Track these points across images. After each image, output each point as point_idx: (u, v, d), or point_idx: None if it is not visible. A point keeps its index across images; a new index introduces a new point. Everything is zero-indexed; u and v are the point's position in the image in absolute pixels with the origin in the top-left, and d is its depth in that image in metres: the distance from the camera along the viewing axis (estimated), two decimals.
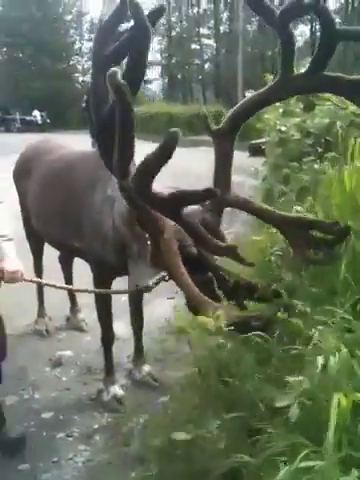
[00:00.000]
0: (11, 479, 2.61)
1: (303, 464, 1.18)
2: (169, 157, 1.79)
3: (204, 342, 2.12)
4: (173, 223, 2.10)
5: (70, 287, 3.95)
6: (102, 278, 3.15)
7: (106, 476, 2.60)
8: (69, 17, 42.93)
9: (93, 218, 2.86)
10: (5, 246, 2.51)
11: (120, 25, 2.10)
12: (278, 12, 1.95)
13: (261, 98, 2.15)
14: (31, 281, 2.74)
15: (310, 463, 1.17)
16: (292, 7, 1.92)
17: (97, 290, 3.02)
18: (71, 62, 41.33)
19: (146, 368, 3.50)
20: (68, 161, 3.40)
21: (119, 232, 2.64)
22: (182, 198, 1.95)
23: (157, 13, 2.09)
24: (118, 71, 1.78)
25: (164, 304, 4.27)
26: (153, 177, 1.91)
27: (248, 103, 2.17)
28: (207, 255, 2.16)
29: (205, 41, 40.59)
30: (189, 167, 11.97)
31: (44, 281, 2.97)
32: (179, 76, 42.29)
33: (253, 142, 11.26)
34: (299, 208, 3.02)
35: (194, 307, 1.92)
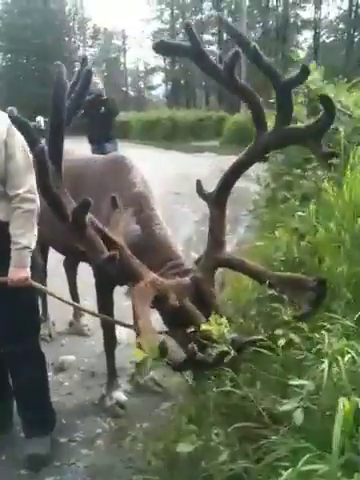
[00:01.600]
0: None
1: (306, 467, 1.18)
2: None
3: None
4: (154, 276, 2.20)
5: (79, 305, 3.94)
6: (104, 284, 3.19)
7: None
8: (72, 24, 43.20)
9: None
10: (14, 255, 2.55)
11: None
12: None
13: (243, 161, 2.32)
14: (39, 287, 2.76)
15: (313, 467, 1.17)
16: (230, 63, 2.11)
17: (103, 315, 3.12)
18: (74, 68, 41.56)
19: (149, 373, 3.50)
20: (74, 167, 3.41)
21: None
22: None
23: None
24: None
25: None
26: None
27: (232, 170, 2.34)
28: (192, 309, 2.20)
29: (208, 47, 40.73)
30: (191, 172, 12.01)
31: (49, 290, 2.98)
32: (182, 81, 42.46)
33: None
34: (301, 214, 3.03)
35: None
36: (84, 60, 2.35)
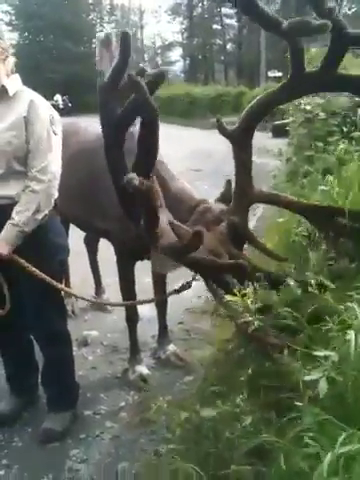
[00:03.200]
0: (42, 456, 2.68)
1: (343, 449, 1.17)
2: None
3: (231, 321, 2.14)
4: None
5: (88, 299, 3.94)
6: (125, 261, 3.21)
7: (132, 452, 2.64)
8: (90, 0, 42.77)
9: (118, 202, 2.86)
10: (5, 228, 2.47)
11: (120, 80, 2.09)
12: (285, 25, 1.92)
13: (273, 98, 2.17)
14: (24, 265, 2.56)
15: (349, 448, 1.16)
16: (302, 27, 1.89)
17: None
18: (92, 45, 41.28)
19: (171, 348, 3.53)
20: (94, 143, 3.41)
21: None
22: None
23: (157, 82, 2.08)
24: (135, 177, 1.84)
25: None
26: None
27: (260, 103, 2.19)
28: (238, 254, 2.21)
29: (227, 21, 40.10)
30: (210, 148, 11.93)
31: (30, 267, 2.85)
32: (200, 57, 41.94)
33: (276, 123, 11.19)
34: (323, 188, 3.00)
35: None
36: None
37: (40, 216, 2.50)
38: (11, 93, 2.48)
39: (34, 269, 2.51)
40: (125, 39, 2.01)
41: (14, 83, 2.53)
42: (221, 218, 2.33)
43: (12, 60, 2.58)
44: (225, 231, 2.25)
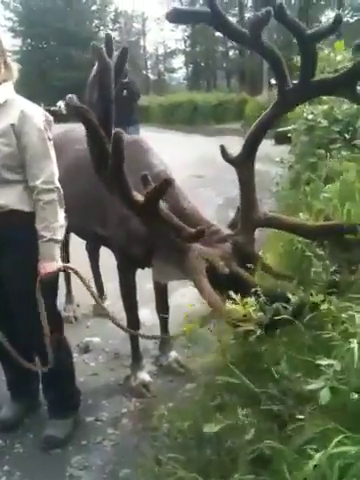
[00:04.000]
0: (43, 462, 2.68)
1: (337, 450, 1.18)
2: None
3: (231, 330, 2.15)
4: (200, 247, 2.25)
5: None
6: (126, 267, 3.22)
7: (134, 460, 2.63)
8: (94, 7, 42.98)
9: (121, 211, 2.85)
10: (41, 248, 2.51)
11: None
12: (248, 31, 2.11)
13: (267, 118, 2.31)
14: (72, 271, 2.73)
15: (344, 449, 1.17)
16: (258, 21, 2.05)
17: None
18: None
19: (172, 354, 3.53)
20: None
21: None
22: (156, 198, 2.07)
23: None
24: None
25: (189, 292, 4.28)
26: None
27: (257, 128, 2.32)
28: (242, 273, 2.23)
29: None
30: (213, 155, 11.91)
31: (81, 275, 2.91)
32: (203, 64, 42.07)
33: (279, 130, 11.18)
34: (326, 195, 3.00)
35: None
36: (109, 39, 2.29)
37: (63, 220, 2.57)
38: (1, 101, 2.46)
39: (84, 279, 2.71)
40: (108, 41, 2.21)
41: (5, 91, 2.51)
42: (227, 239, 2.39)
43: (15, 66, 2.59)
44: (230, 250, 2.31)
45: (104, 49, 2.14)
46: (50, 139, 2.55)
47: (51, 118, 2.63)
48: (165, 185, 1.97)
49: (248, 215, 2.35)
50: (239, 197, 2.42)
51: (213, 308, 1.97)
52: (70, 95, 2.09)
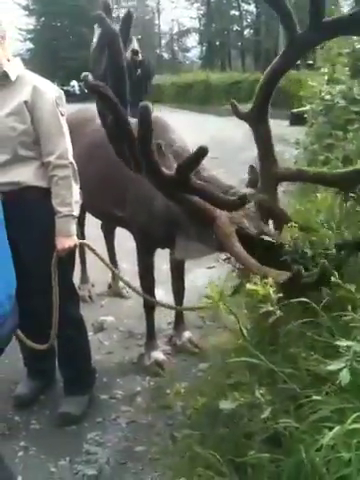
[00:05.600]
0: (59, 439, 2.72)
1: (353, 426, 1.18)
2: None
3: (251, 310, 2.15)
4: (225, 212, 2.15)
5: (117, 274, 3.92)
6: (146, 248, 3.22)
7: (148, 437, 2.67)
8: None
9: (142, 191, 2.85)
10: (57, 224, 2.55)
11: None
12: None
13: (278, 67, 2.16)
14: (90, 249, 2.81)
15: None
16: None
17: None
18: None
19: (186, 334, 3.54)
20: None
21: (171, 208, 2.65)
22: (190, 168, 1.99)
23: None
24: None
25: (205, 273, 4.30)
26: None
27: (268, 79, 2.19)
28: (271, 232, 2.18)
29: (245, 6, 39.62)
30: (226, 135, 11.85)
31: (95, 250, 2.97)
32: (218, 43, 41.53)
33: (294, 111, 11.07)
34: None
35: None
36: (128, 17, 2.25)
37: (78, 195, 2.59)
38: (13, 78, 2.46)
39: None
40: (127, 18, 2.18)
41: (15, 67, 2.51)
42: (250, 199, 2.28)
43: (26, 45, 2.58)
44: (254, 209, 2.22)
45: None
46: (63, 114, 2.56)
47: (62, 93, 2.64)
48: (201, 153, 1.90)
49: (269, 170, 2.24)
50: (257, 154, 2.31)
51: (251, 271, 1.91)
52: (85, 73, 2.06)
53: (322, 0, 1.99)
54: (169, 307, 3.36)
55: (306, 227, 2.17)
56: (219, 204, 2.10)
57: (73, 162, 2.56)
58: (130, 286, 3.06)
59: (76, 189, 2.59)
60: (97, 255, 2.82)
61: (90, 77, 2.05)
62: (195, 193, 2.08)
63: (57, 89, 2.61)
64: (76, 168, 2.58)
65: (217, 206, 2.11)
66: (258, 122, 2.23)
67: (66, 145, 2.54)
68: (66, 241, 2.56)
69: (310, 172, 2.20)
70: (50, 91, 2.52)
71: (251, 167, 2.37)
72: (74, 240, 2.60)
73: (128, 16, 2.24)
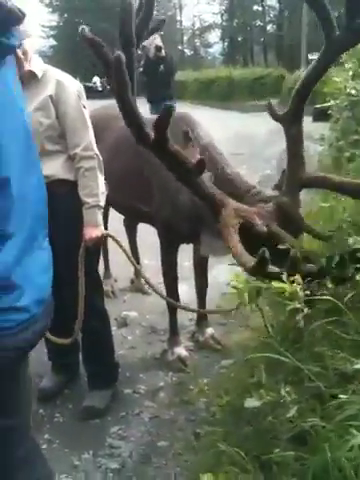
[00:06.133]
0: (82, 432, 2.75)
1: None
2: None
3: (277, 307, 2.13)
4: (235, 202, 2.16)
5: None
6: (169, 243, 3.22)
7: (171, 432, 2.68)
8: None
9: (168, 186, 2.85)
10: (85, 214, 2.60)
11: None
12: None
13: (315, 69, 2.15)
14: (116, 241, 2.83)
15: None
16: None
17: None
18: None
19: (209, 331, 3.54)
20: None
21: (196, 203, 2.65)
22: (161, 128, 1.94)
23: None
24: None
25: (227, 269, 4.28)
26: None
27: (305, 82, 2.18)
28: (283, 234, 2.15)
29: (268, 2, 39.31)
30: (250, 132, 11.79)
31: (121, 244, 3.00)
32: (240, 38, 41.29)
33: (317, 106, 10.93)
34: None
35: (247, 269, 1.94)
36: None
37: (104, 186, 2.64)
38: (40, 75, 2.51)
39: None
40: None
41: (38, 64, 2.54)
42: (271, 200, 2.30)
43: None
44: (272, 209, 2.23)
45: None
46: (85, 107, 2.61)
47: (82, 87, 2.68)
48: (168, 113, 1.84)
49: (295, 174, 2.24)
50: (286, 156, 2.29)
51: (239, 263, 1.92)
52: (82, 26, 2.02)
53: (357, 1, 1.96)
54: (190, 310, 3.35)
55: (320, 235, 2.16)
56: (185, 168, 2.06)
57: (98, 153, 2.61)
58: (151, 285, 3.08)
59: (102, 180, 2.64)
60: (121, 247, 2.85)
61: (86, 29, 2.02)
62: (170, 157, 2.03)
63: (78, 83, 2.65)
64: (101, 159, 2.63)
65: (185, 171, 2.07)
66: (292, 124, 2.23)
67: (90, 137, 2.59)
68: (94, 231, 2.61)
69: (334, 180, 2.16)
70: (72, 85, 2.58)
71: (283, 171, 2.36)
72: (101, 230, 2.66)
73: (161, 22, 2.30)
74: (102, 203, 2.62)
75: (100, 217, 2.64)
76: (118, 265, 4.36)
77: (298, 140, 2.23)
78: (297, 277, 1.59)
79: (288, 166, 2.26)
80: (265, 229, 2.14)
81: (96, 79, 30.46)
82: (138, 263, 4.48)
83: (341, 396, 1.55)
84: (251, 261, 1.83)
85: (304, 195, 6.82)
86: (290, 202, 2.22)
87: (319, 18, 2.06)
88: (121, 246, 2.85)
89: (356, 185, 2.10)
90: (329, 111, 6.02)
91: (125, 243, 4.37)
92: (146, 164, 3.01)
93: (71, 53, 35.44)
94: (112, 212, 3.95)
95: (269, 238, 2.13)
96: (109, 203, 3.67)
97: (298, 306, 1.55)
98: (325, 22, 2.05)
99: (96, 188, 2.59)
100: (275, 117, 2.27)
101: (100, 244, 2.81)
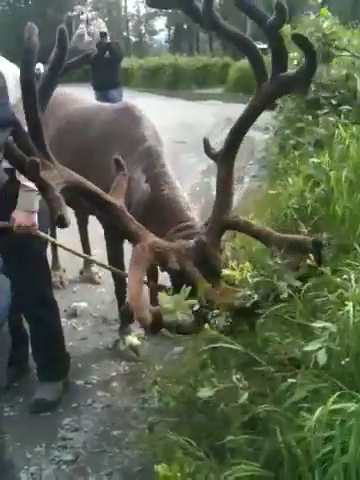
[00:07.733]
0: (34, 425, 2.71)
1: (335, 406, 1.21)
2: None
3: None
4: (155, 238, 2.16)
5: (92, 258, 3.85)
6: (111, 236, 3.19)
7: (125, 421, 2.68)
8: None
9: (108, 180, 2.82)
10: (20, 197, 2.46)
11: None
12: None
13: (248, 115, 2.18)
14: (45, 237, 2.71)
15: (345, 405, 1.20)
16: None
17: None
18: (74, 13, 40.13)
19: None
20: (82, 114, 3.36)
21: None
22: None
23: None
24: None
25: None
26: None
27: (238, 127, 2.20)
28: (193, 272, 2.15)
29: None
30: (196, 121, 11.83)
31: (54, 240, 2.97)
32: (186, 26, 41.16)
33: None
34: (315, 161, 3.01)
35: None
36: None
37: None
38: None
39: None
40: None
41: None
42: (195, 237, 2.29)
43: None
44: (191, 247, 2.21)
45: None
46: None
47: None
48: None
49: (219, 215, 2.24)
50: (215, 193, 2.30)
51: (131, 303, 1.92)
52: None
53: (286, 56, 2.01)
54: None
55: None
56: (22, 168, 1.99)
57: None
58: (101, 265, 3.07)
59: None
60: (58, 245, 2.81)
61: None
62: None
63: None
64: None
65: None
66: (224, 164, 2.23)
67: None
68: (26, 217, 2.47)
69: (256, 227, 2.13)
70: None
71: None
72: (34, 218, 2.50)
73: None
74: None
75: (36, 204, 2.49)
76: (67, 256, 4.29)
77: (228, 180, 2.23)
78: (246, 264, 1.61)
79: (214, 207, 2.25)
80: (177, 267, 2.12)
81: (39, 65, 29.31)
82: (88, 252, 4.44)
83: (290, 380, 1.59)
84: (147, 318, 1.85)
85: (252, 183, 6.96)
86: (210, 242, 2.20)
87: (250, 62, 2.12)
88: (53, 242, 2.84)
89: (277, 238, 2.08)
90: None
91: (76, 234, 4.34)
92: (89, 157, 2.99)
93: (14, 39, 34.16)
94: None
95: (181, 276, 2.13)
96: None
97: (248, 293, 1.57)
98: (258, 69, 2.09)
99: None
100: (210, 155, 2.28)
101: (30, 234, 2.59)
